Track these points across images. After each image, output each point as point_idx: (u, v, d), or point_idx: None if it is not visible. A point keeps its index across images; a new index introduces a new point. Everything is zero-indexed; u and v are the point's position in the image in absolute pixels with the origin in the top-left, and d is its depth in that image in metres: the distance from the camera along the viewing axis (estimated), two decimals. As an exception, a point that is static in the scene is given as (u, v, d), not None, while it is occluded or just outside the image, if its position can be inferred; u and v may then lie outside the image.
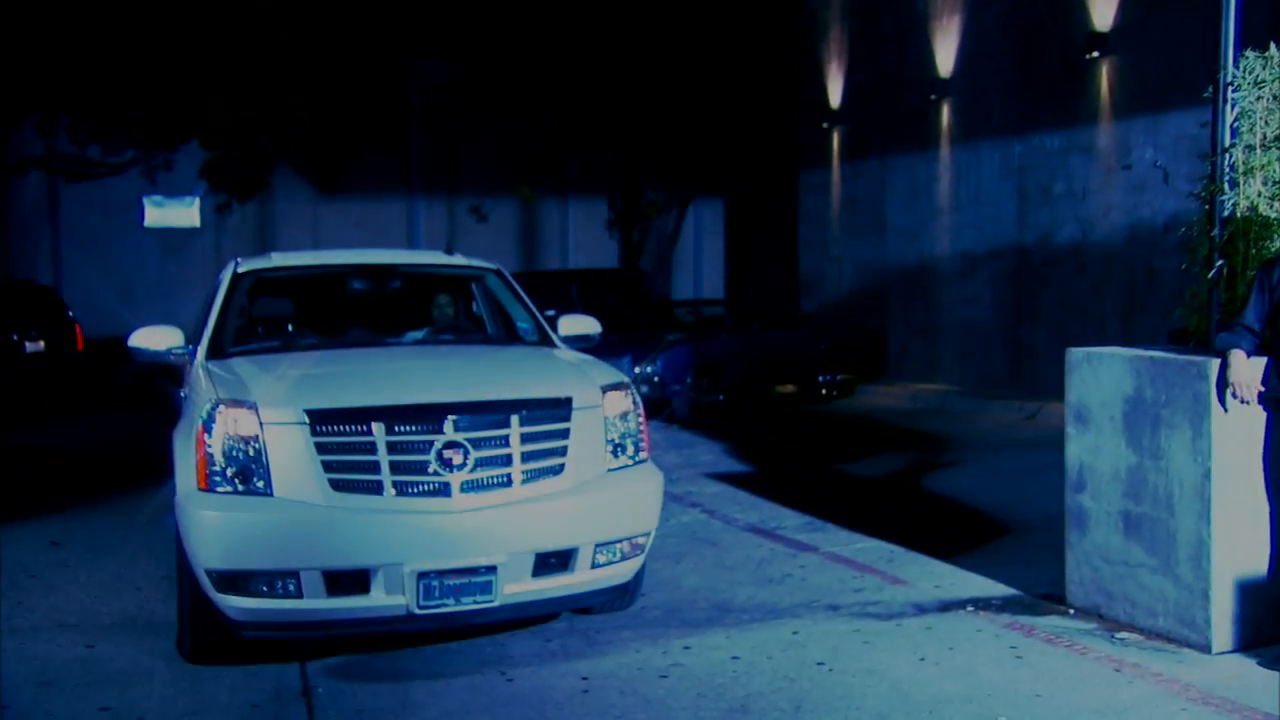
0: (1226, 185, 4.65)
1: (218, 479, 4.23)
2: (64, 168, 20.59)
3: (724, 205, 24.00)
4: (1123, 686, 4.04)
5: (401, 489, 4.20)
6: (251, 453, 4.22)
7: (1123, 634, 4.60)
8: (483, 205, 23.07)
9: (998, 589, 5.42)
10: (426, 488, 4.22)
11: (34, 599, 5.64)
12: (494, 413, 4.39)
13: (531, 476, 4.39)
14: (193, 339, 5.42)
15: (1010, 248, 13.57)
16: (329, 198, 22.77)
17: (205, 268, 22.04)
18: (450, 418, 4.29)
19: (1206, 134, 11.18)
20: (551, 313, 17.32)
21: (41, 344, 14.48)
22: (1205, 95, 4.88)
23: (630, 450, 4.76)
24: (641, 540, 4.64)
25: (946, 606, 5.16)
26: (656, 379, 12.07)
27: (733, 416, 12.70)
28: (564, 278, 17.73)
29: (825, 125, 17.28)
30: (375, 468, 4.21)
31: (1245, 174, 4.61)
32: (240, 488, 4.21)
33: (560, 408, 4.53)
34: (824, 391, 14.64)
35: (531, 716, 4.01)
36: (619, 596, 4.78)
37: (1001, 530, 6.88)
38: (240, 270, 5.77)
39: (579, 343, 5.76)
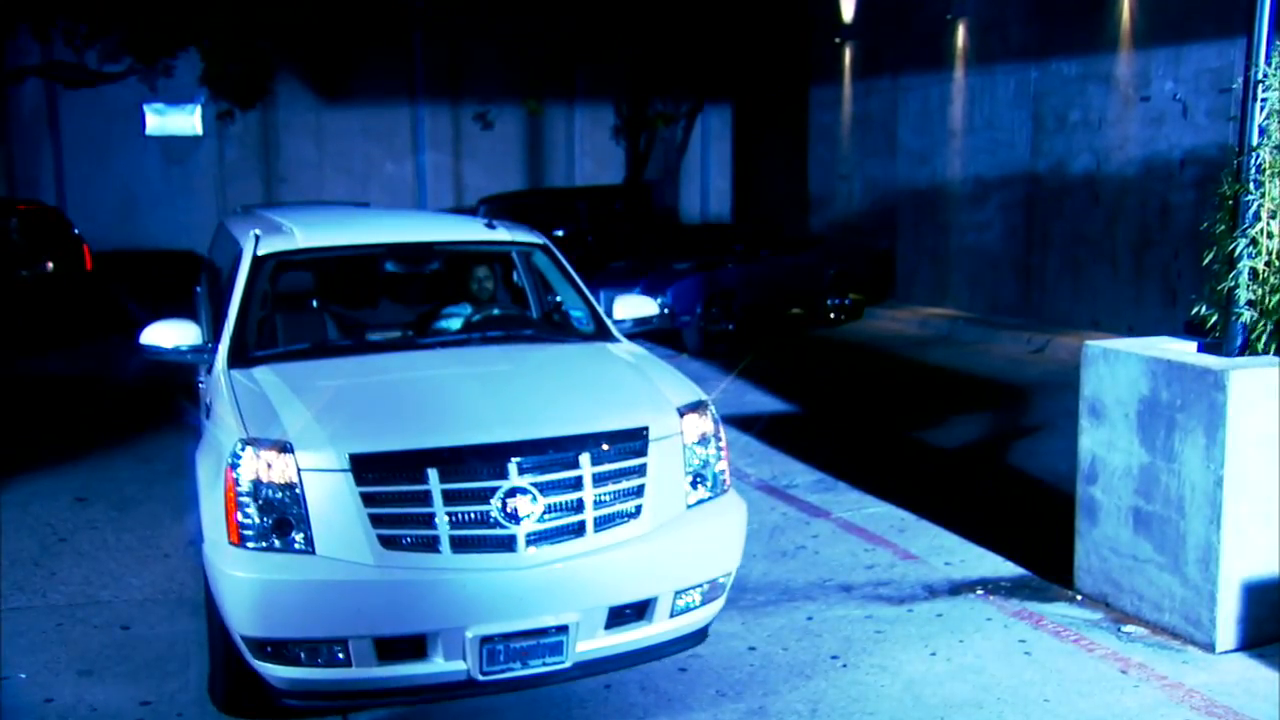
0: (1252, 186, 4.62)
1: (250, 533, 3.75)
2: (62, 75, 20.28)
3: (732, 112, 23.66)
4: (1128, 691, 4.17)
5: (460, 545, 3.72)
6: (289, 503, 3.74)
7: (1129, 627, 4.73)
8: (488, 112, 22.78)
9: (1006, 568, 5.55)
10: (488, 542, 3.74)
11: (67, 568, 5.79)
12: (563, 451, 3.87)
13: (605, 522, 3.90)
14: (211, 334, 4.99)
15: (1022, 175, 13.46)
16: (332, 105, 22.46)
17: (209, 176, 21.95)
18: (514, 460, 3.79)
19: (1227, 68, 10.99)
20: (560, 232, 17.23)
21: (50, 265, 14.46)
22: (1235, 71, 4.81)
23: (710, 480, 4.26)
24: (724, 580, 4.21)
25: (956, 589, 5.29)
26: (667, 310, 12.08)
27: (742, 345, 12.78)
28: (571, 195, 17.61)
29: (837, 40, 16.96)
30: (430, 521, 3.71)
31: (1272, 175, 4.57)
32: (277, 544, 3.73)
33: (636, 440, 4.02)
34: (832, 315, 14.71)
35: (556, 716, 4.15)
36: (697, 641, 4.29)
37: (1011, 491, 6.99)
38: (261, 253, 5.14)
39: (638, 326, 5.37)
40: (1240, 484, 4.36)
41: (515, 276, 6.33)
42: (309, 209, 8.71)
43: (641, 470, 4.01)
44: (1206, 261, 4.84)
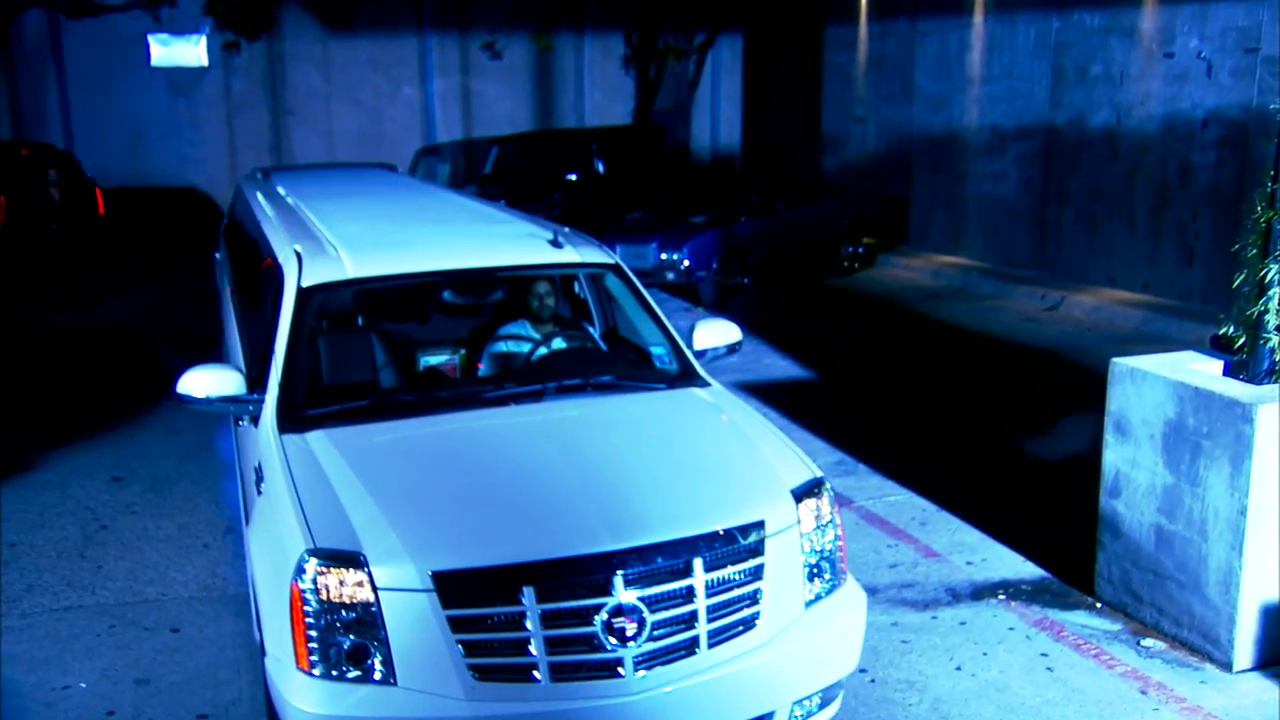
0: (1285, 213, 4.64)
1: (321, 658, 3.31)
2: (64, 5, 20.01)
3: (743, 43, 23.36)
4: (1148, 714, 4.33)
5: (560, 672, 3.29)
6: (365, 626, 3.28)
7: (1148, 641, 4.88)
8: (496, 42, 22.52)
9: (1026, 569, 5.69)
10: (592, 667, 3.32)
11: (111, 561, 5.95)
12: (673, 558, 3.44)
13: (720, 636, 3.49)
14: (254, 379, 4.49)
15: (1040, 127, 13.36)
16: (339, 35, 22.20)
17: (216, 108, 21.78)
18: (620, 573, 3.35)
19: (1254, 28, 10.87)
20: (574, 176, 17.10)
21: (62, 210, 14.41)
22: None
23: (829, 572, 3.84)
24: (843, 679, 3.89)
25: (978, 593, 5.44)
26: (684, 266, 12.14)
27: (757, 297, 12.85)
28: (584, 136, 17.48)
29: (854, -21, 16.70)
30: (524, 647, 3.28)
31: (1305, 204, 4.59)
32: (352, 673, 3.29)
33: (751, 536, 3.61)
34: (846, 264, 14.74)
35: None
36: None
37: (1026, 476, 7.11)
38: (306, 284, 4.62)
39: (723, 355, 5.01)
40: (1263, 512, 4.48)
41: (576, 287, 5.98)
42: (333, 179, 8.56)
43: (758, 572, 3.60)
44: (1237, 284, 4.89)
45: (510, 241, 5.24)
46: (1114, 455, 5.11)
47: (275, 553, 3.57)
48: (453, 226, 5.73)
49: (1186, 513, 4.74)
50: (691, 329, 4.97)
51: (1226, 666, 4.62)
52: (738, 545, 3.58)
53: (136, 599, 5.51)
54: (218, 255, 9.32)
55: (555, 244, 5.09)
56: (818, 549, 3.81)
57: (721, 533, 3.55)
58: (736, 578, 3.57)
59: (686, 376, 4.78)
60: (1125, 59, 12.03)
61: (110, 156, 20.06)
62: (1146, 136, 11.85)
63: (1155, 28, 11.63)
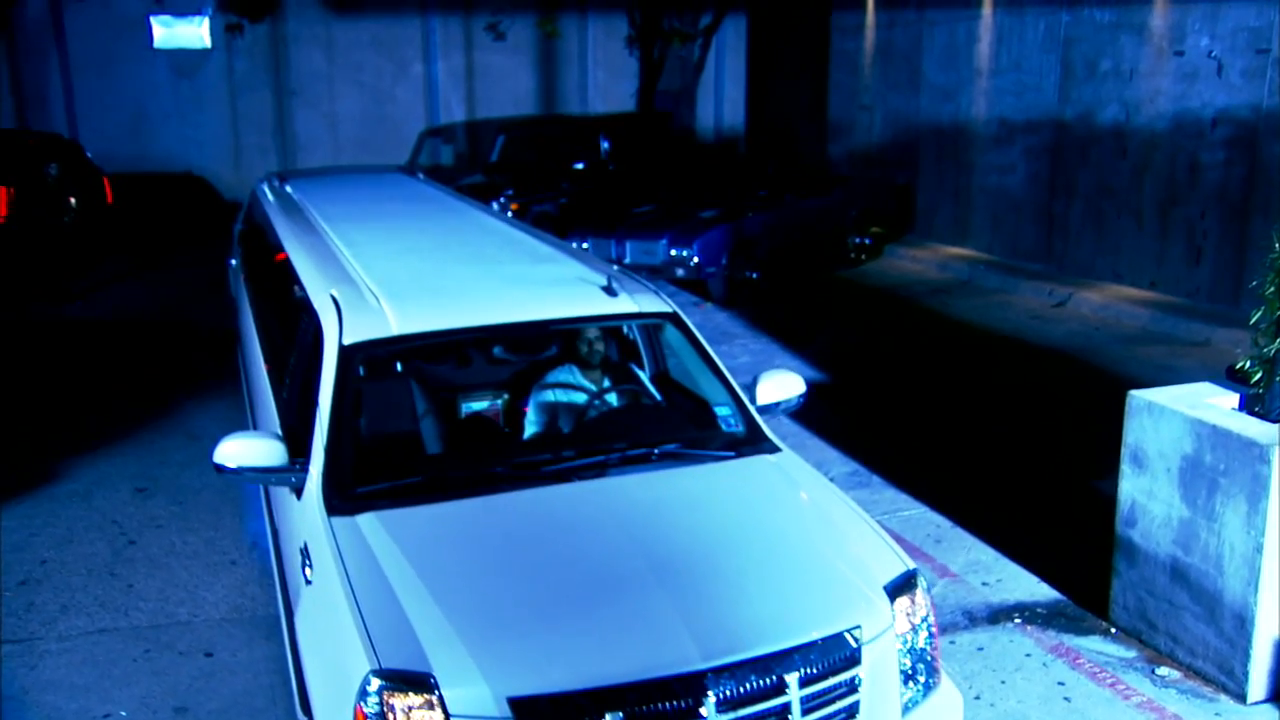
0: (1304, 254, 4.72)
1: None
2: (64, -15, 19.97)
3: (747, 24, 23.28)
4: (1164, 748, 4.47)
5: None
6: None
7: (1163, 669, 5.00)
8: (500, 22, 22.45)
9: (1041, 590, 5.80)
10: None
11: (142, 579, 6.04)
12: (766, 674, 3.17)
13: None
14: (289, 430, 4.31)
15: (1049, 121, 13.38)
16: (342, 16, 22.13)
17: (219, 90, 21.74)
18: (710, 693, 3.08)
19: (1266, 28, 10.90)
20: (580, 165, 17.06)
21: (72, 201, 14.45)
22: None
23: (924, 674, 3.56)
24: None
25: (995, 616, 5.56)
26: (693, 263, 12.19)
27: (766, 291, 12.91)
28: (591, 125, 17.47)
29: (862, -34, 16.64)
30: None
31: (1324, 246, 4.67)
32: None
33: (847, 644, 3.34)
34: (853, 255, 14.80)
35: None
36: None
37: (1038, 487, 7.21)
38: (348, 342, 4.27)
39: (795, 405, 4.85)
40: (1278, 550, 4.57)
41: (625, 328, 5.69)
42: (354, 191, 8.43)
43: (854, 685, 3.34)
44: (1254, 321, 4.97)
45: (562, 288, 4.86)
46: (1130, 485, 5.20)
47: (333, 665, 3.31)
48: (497, 267, 5.29)
49: (1203, 547, 4.84)
50: (754, 384, 4.75)
51: (1240, 698, 4.74)
52: (834, 655, 3.31)
53: (169, 621, 5.61)
54: (232, 262, 9.34)
55: (610, 291, 4.74)
56: (911, 648, 3.55)
57: (819, 642, 3.29)
58: (833, 691, 3.31)
59: (753, 441, 4.48)
60: (1135, 55, 12.04)
61: (113, 139, 20.05)
62: (1155, 134, 11.88)
63: (1166, 25, 11.63)
